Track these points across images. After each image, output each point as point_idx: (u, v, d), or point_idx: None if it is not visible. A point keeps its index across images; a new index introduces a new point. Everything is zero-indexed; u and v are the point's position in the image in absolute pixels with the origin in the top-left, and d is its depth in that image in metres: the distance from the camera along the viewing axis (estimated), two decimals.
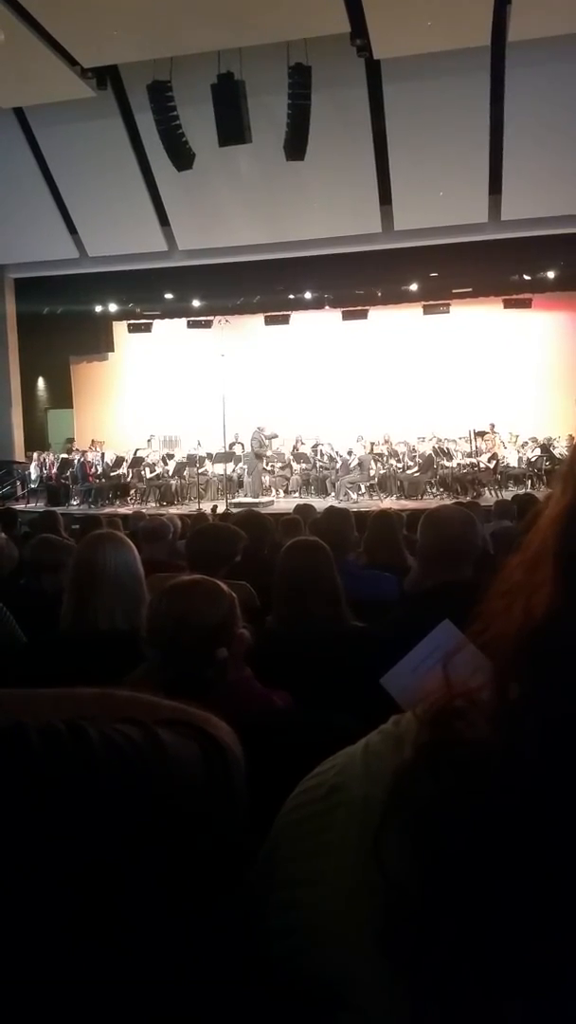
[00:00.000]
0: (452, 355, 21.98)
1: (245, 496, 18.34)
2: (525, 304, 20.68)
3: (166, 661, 2.03)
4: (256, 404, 20.84)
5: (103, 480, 19.36)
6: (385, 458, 19.21)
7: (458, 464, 18.56)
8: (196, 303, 21.66)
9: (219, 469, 19.44)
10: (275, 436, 19.50)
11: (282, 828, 0.80)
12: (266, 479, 19.59)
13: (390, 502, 16.82)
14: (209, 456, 19.87)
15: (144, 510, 14.59)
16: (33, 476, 20.00)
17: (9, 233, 18.35)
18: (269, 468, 19.91)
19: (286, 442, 20.74)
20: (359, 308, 21.37)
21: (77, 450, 21.30)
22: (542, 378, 21.48)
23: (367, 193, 16.31)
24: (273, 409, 21.28)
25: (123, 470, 19.74)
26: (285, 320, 22.05)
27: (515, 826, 0.62)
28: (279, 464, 20.14)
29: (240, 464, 19.40)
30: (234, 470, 19.41)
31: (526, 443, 19.55)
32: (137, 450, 20.34)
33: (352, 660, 2.55)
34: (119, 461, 19.94)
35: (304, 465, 19.80)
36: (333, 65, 13.42)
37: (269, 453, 19.61)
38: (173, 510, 15.57)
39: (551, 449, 18.51)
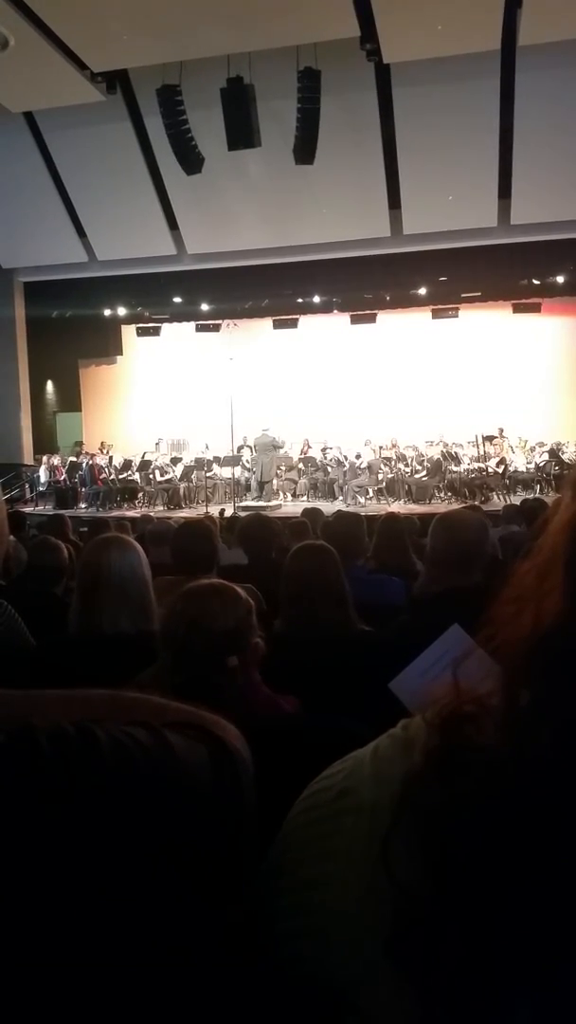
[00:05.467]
0: (461, 359, 21.95)
1: (254, 500, 18.32)
2: (534, 308, 20.65)
3: (176, 664, 2.03)
4: (264, 408, 20.83)
5: (114, 483, 19.38)
6: (393, 462, 19.17)
7: (466, 469, 18.52)
8: (204, 307, 21.68)
9: (227, 472, 19.43)
10: (282, 445, 19.49)
11: (290, 832, 0.80)
12: (274, 483, 19.59)
13: (398, 506, 16.79)
14: (217, 459, 19.89)
15: (152, 513, 14.60)
16: (42, 479, 20.04)
17: (18, 237, 18.40)
18: (277, 472, 19.91)
19: (294, 446, 20.73)
20: (367, 312, 21.34)
21: (86, 453, 21.34)
22: (551, 382, 21.45)
23: (376, 197, 16.31)
24: (281, 413, 21.27)
25: (131, 473, 19.76)
26: (293, 324, 22.04)
27: (525, 832, 0.62)
28: (286, 468, 20.12)
29: (248, 465, 19.32)
30: (242, 473, 19.40)
31: (535, 447, 19.53)
32: (145, 453, 20.37)
33: (360, 664, 2.55)
34: (127, 464, 19.97)
35: (312, 469, 19.78)
36: (343, 69, 13.42)
37: (283, 451, 19.58)
38: (181, 514, 15.59)
39: (560, 454, 18.48)
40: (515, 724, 0.66)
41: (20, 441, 20.71)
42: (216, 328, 22.20)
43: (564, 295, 20.26)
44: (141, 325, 23.13)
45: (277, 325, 22.24)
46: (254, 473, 19.08)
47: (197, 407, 22.18)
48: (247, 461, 19.69)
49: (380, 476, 18.68)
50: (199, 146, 14.52)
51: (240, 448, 19.62)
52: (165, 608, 2.27)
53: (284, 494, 19.78)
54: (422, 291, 20.29)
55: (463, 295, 20.57)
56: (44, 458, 20.68)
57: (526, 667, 0.67)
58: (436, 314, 21.16)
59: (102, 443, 22.38)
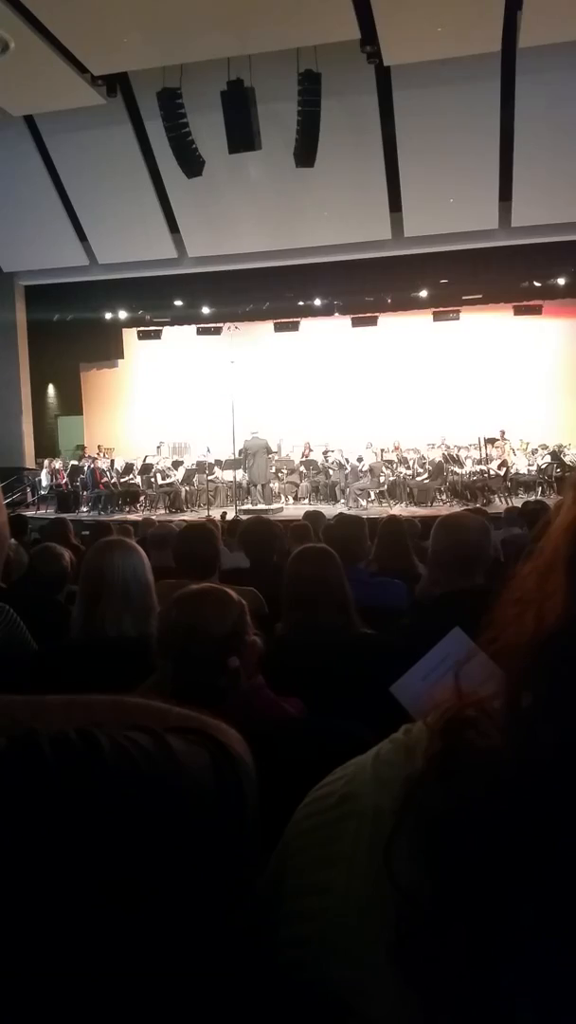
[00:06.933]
0: (462, 362, 21.96)
1: (254, 504, 18.31)
2: (535, 311, 20.63)
3: (178, 671, 2.02)
4: (265, 411, 20.84)
5: (115, 487, 19.38)
6: (395, 465, 19.18)
7: (468, 471, 18.51)
8: (206, 310, 21.66)
9: (228, 476, 19.44)
10: (275, 450, 19.49)
11: (293, 837, 0.79)
12: (275, 486, 19.58)
13: (399, 509, 16.79)
14: (218, 462, 19.88)
15: (153, 517, 14.60)
16: (43, 483, 20.04)
17: (19, 240, 18.42)
18: (278, 475, 19.91)
19: (295, 449, 20.73)
20: (369, 315, 21.32)
21: (87, 457, 21.35)
22: (553, 385, 21.45)
23: (377, 199, 16.33)
24: (282, 416, 21.29)
25: (133, 477, 19.77)
26: (295, 327, 22.03)
27: (527, 835, 0.62)
28: (288, 471, 20.12)
29: (247, 465, 19.28)
30: (244, 477, 19.39)
31: (536, 450, 19.52)
32: (146, 457, 20.37)
33: (362, 668, 2.54)
34: (129, 468, 19.97)
35: (313, 472, 19.78)
36: (343, 72, 13.44)
37: (277, 454, 19.58)
38: (182, 517, 15.60)
39: (562, 456, 18.47)
40: (517, 727, 0.66)
41: (21, 445, 20.71)
42: (217, 331, 22.17)
43: (565, 297, 20.23)
44: (142, 328, 23.12)
45: (278, 328, 22.24)
46: (247, 476, 19.06)
47: (198, 410, 22.19)
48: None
49: (382, 479, 18.68)
50: (200, 149, 14.53)
51: (241, 451, 19.62)
52: (158, 617, 2.26)
53: (285, 497, 19.78)
54: (423, 294, 20.27)
55: (464, 297, 20.55)
56: (45, 462, 20.68)
57: (528, 669, 0.67)
58: (437, 317, 21.13)
59: (99, 446, 22.39)
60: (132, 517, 16.10)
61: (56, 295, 20.69)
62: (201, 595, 2.14)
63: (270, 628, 3.19)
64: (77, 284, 20.21)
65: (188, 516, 16.11)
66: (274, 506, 17.97)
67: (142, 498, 19.56)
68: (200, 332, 22.44)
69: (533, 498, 15.70)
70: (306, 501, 19.10)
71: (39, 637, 3.54)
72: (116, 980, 0.71)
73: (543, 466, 18.56)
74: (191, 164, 14.63)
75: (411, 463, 19.27)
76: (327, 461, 19.72)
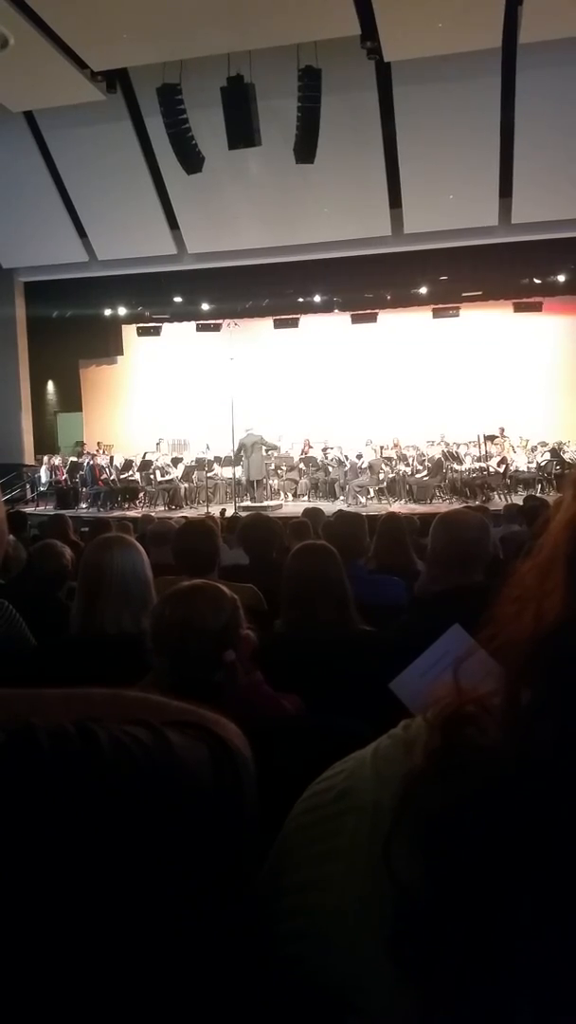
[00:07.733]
0: (462, 359, 21.92)
1: (253, 500, 18.29)
2: (535, 308, 20.63)
3: (173, 668, 2.02)
4: (265, 408, 20.81)
5: (115, 483, 19.37)
6: (394, 462, 19.14)
7: (467, 468, 18.50)
8: (205, 306, 21.67)
9: (227, 473, 19.41)
10: (275, 446, 19.47)
11: (291, 832, 0.79)
12: (274, 483, 19.57)
13: (399, 506, 16.77)
14: (217, 459, 19.87)
15: (153, 514, 14.60)
16: (43, 479, 20.03)
17: (19, 237, 18.40)
18: (277, 471, 19.88)
19: (295, 445, 20.72)
20: (368, 311, 21.34)
21: (87, 453, 21.33)
22: (552, 382, 21.42)
23: (377, 196, 16.31)
24: (282, 413, 21.28)
25: (132, 473, 19.75)
26: (294, 323, 22.05)
27: (526, 832, 0.62)
28: (287, 468, 20.10)
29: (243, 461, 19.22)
30: (243, 473, 19.37)
31: (536, 447, 19.50)
32: (146, 453, 20.35)
33: (361, 664, 2.54)
34: (128, 464, 19.96)
35: (313, 469, 19.76)
36: (343, 68, 13.42)
37: (276, 445, 19.57)
38: (181, 514, 15.59)
39: (561, 453, 18.45)
40: (516, 724, 0.66)
41: (21, 441, 20.71)
42: (217, 328, 22.18)
43: (565, 294, 20.24)
44: (142, 325, 23.12)
45: (278, 325, 22.24)
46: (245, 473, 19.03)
47: (198, 407, 22.16)
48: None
49: (381, 476, 18.65)
50: (199, 145, 14.53)
51: (239, 448, 19.61)
52: (151, 614, 2.26)
53: (285, 494, 19.78)
54: (423, 290, 20.26)
55: (464, 294, 20.54)
56: (45, 458, 20.68)
57: (527, 666, 0.67)
58: (437, 313, 21.14)
59: (99, 443, 22.37)
60: (131, 514, 16.09)
61: (56, 291, 20.68)
62: (193, 591, 2.14)
63: (269, 625, 3.19)
64: (77, 280, 20.17)
65: (187, 513, 16.08)
66: (273, 503, 17.96)
67: (141, 495, 19.53)
68: (199, 329, 22.45)
69: (533, 495, 15.69)
70: (305, 498, 19.07)
71: (38, 633, 3.54)
72: (112, 975, 0.71)
73: (543, 463, 18.54)
74: (191, 160, 14.61)
75: (410, 460, 19.23)
76: (326, 458, 19.70)
